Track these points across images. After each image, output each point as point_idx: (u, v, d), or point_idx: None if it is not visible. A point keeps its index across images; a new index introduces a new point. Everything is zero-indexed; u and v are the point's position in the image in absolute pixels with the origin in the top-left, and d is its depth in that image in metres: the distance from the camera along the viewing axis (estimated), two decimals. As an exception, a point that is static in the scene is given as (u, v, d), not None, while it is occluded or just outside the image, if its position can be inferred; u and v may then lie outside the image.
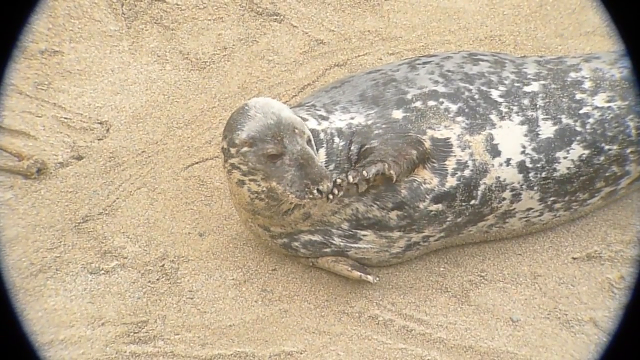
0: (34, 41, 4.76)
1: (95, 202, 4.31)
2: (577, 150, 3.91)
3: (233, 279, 4.12)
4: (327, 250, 3.98)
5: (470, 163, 3.84)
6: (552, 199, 3.97)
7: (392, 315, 4.01)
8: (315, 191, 3.58)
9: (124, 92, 4.73)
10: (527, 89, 3.97)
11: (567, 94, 3.97)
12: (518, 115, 3.91)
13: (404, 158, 3.78)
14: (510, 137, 3.88)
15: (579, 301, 4.04)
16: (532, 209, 3.98)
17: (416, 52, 4.90)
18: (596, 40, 4.91)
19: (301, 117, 3.84)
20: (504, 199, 3.91)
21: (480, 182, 3.86)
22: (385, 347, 3.92)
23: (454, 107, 3.90)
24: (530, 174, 3.89)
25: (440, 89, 3.96)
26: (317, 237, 3.95)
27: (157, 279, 4.10)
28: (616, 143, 3.95)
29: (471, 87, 3.95)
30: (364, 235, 3.92)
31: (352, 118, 3.93)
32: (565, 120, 3.92)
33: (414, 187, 3.83)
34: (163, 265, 4.14)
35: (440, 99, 3.92)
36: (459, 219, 3.92)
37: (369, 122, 3.89)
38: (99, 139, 4.54)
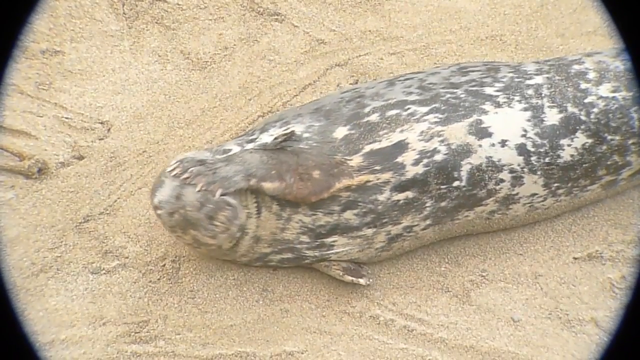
0: (35, 41, 4.77)
1: (96, 201, 4.31)
2: (581, 139, 3.90)
3: (234, 279, 4.12)
4: (307, 261, 3.99)
5: (442, 148, 3.80)
6: (556, 184, 3.96)
7: (393, 315, 4.02)
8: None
9: (125, 92, 4.73)
10: (530, 82, 3.96)
11: (572, 84, 3.97)
12: (520, 103, 3.89)
13: (301, 177, 3.75)
14: (506, 120, 3.84)
15: (580, 301, 4.04)
16: (536, 194, 3.96)
17: (417, 52, 4.90)
18: (597, 40, 4.91)
19: (227, 149, 3.91)
20: (502, 180, 3.87)
21: (462, 162, 3.82)
22: (387, 347, 3.92)
23: (423, 110, 3.87)
24: (533, 158, 3.87)
25: (412, 98, 3.94)
26: (287, 255, 3.97)
27: (158, 279, 4.10)
28: (619, 134, 3.94)
29: (456, 90, 3.94)
30: (333, 241, 3.91)
31: (286, 129, 3.93)
32: (570, 108, 3.91)
33: (359, 186, 3.81)
34: (164, 265, 4.14)
35: (407, 106, 3.89)
36: (443, 203, 3.87)
37: (304, 136, 3.88)
38: (100, 139, 4.54)
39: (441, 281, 4.12)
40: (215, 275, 4.12)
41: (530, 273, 4.13)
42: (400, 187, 3.81)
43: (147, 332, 3.95)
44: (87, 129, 4.57)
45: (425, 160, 3.80)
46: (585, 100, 3.93)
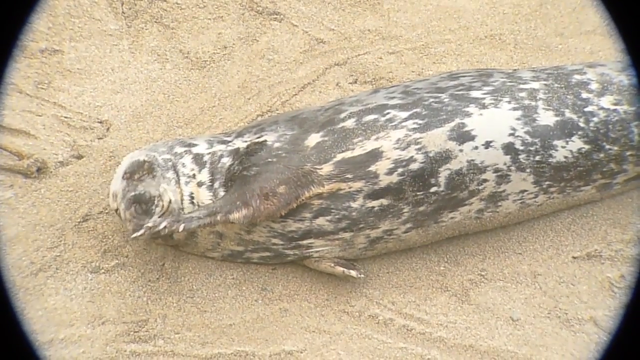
0: (34, 40, 4.76)
1: (95, 201, 4.31)
2: (577, 144, 3.89)
3: (233, 278, 4.12)
4: (289, 258, 4.00)
5: (418, 157, 3.76)
6: (547, 183, 3.94)
7: (392, 314, 4.01)
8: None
9: (124, 91, 4.73)
10: (524, 86, 3.94)
11: (572, 92, 3.94)
12: (509, 103, 3.86)
13: (266, 197, 3.78)
14: (492, 121, 3.81)
15: (579, 300, 4.04)
16: (526, 191, 3.95)
17: (416, 51, 4.90)
18: (597, 39, 4.90)
19: (192, 143, 4.03)
20: (485, 180, 3.83)
21: (440, 169, 3.78)
22: (386, 346, 3.92)
23: (403, 115, 3.83)
24: (521, 156, 3.84)
25: (393, 102, 3.90)
26: (266, 253, 3.99)
27: (157, 278, 4.10)
28: (617, 145, 3.93)
29: (441, 94, 3.89)
30: (310, 243, 3.92)
31: (258, 137, 3.94)
32: (568, 114, 3.89)
33: (331, 194, 3.80)
34: (163, 264, 4.14)
35: (386, 111, 3.86)
36: (421, 208, 3.84)
37: (275, 146, 3.88)
38: (99, 138, 4.54)
39: (440, 280, 4.12)
40: (214, 275, 4.12)
41: (530, 272, 4.13)
42: (374, 195, 3.79)
43: (146, 331, 3.95)
44: (86, 128, 4.57)
45: (400, 170, 3.77)
46: (586, 109, 3.91)
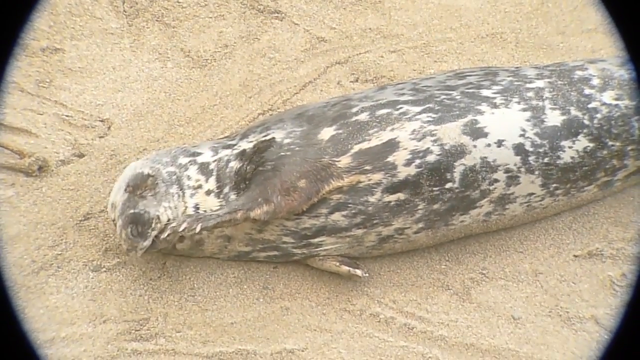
0: (35, 39, 4.77)
1: (96, 199, 4.31)
2: (583, 142, 3.90)
3: (234, 277, 4.12)
4: (296, 257, 4.00)
5: (434, 149, 3.76)
6: (554, 185, 3.95)
7: (393, 313, 4.02)
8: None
9: (125, 90, 4.73)
10: (530, 85, 3.95)
11: (575, 89, 3.96)
12: (519, 104, 3.87)
13: (287, 192, 3.76)
14: (504, 121, 3.82)
15: (580, 299, 4.04)
16: (533, 194, 3.95)
17: (417, 50, 4.90)
18: (598, 38, 4.90)
19: (197, 152, 3.98)
20: (496, 180, 3.85)
21: (456, 163, 3.79)
22: (387, 345, 3.92)
23: (416, 109, 3.83)
24: (530, 158, 3.86)
25: (404, 98, 3.90)
26: (273, 252, 3.98)
27: (159, 277, 4.10)
28: (619, 140, 3.95)
29: (452, 92, 3.90)
30: (321, 241, 3.91)
31: (265, 136, 3.92)
32: (574, 112, 3.90)
33: (351, 187, 3.79)
34: (164, 263, 4.14)
35: (399, 106, 3.85)
36: (435, 206, 3.84)
37: (285, 142, 3.86)
38: (100, 137, 4.54)
39: (441, 279, 4.12)
40: (215, 273, 4.12)
41: (531, 271, 4.13)
42: (392, 189, 3.79)
43: (147, 329, 3.95)
44: (88, 127, 4.57)
45: (417, 161, 3.77)
46: (589, 105, 3.92)
